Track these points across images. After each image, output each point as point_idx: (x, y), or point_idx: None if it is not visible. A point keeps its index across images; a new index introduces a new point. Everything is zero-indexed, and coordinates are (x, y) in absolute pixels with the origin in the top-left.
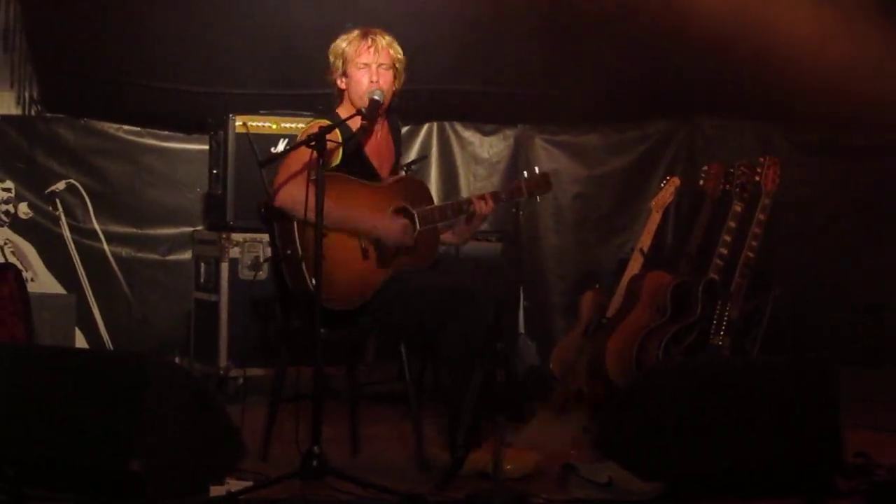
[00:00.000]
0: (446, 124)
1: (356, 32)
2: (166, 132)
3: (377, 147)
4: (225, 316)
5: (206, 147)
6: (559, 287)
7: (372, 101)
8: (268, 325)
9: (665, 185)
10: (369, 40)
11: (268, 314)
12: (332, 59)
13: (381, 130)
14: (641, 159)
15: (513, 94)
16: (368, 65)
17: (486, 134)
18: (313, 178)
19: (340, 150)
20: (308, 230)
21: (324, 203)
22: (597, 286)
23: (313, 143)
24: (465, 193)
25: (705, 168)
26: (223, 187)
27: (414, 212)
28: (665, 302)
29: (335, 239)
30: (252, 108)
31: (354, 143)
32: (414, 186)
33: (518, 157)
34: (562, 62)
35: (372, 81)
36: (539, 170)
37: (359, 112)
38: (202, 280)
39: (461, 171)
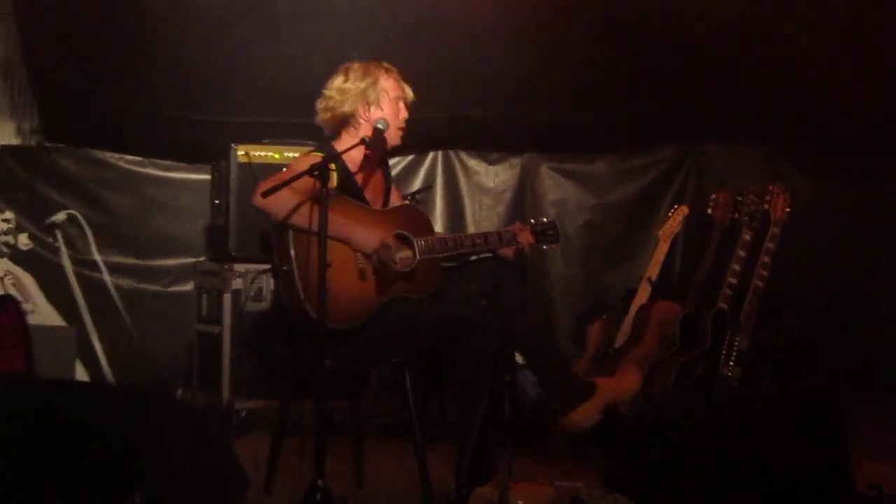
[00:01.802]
0: (451, 153)
1: (381, 65)
2: (168, 162)
3: (372, 183)
4: (228, 348)
5: (209, 177)
6: (566, 316)
7: (376, 130)
8: (271, 357)
9: (673, 213)
10: (396, 74)
11: (271, 346)
12: (361, 86)
13: (376, 168)
14: (649, 187)
15: (519, 122)
16: (401, 99)
17: (491, 162)
18: (308, 194)
19: (336, 180)
20: (303, 244)
21: (301, 208)
22: (605, 316)
23: (316, 173)
24: (470, 223)
25: (714, 196)
26: (225, 218)
27: (414, 240)
28: (674, 332)
29: (332, 257)
30: (254, 138)
31: (351, 176)
32: (414, 216)
33: (524, 186)
34: (568, 89)
35: (404, 117)
36: (546, 219)
37: (362, 141)
38: (204, 312)
39: (466, 200)
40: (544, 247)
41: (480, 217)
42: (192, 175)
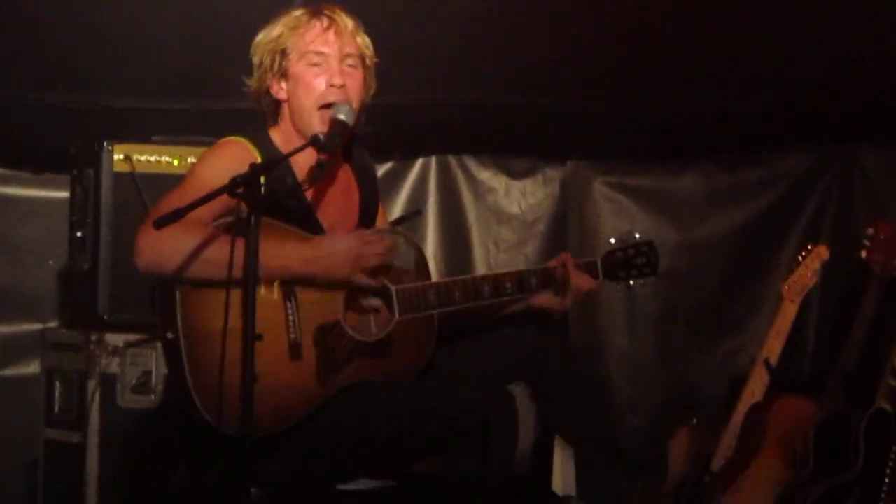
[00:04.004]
0: (452, 159)
1: (299, 12)
2: (2, 170)
3: (331, 200)
4: (95, 465)
5: (66, 195)
6: (634, 421)
7: (336, 122)
8: (166, 479)
9: (805, 257)
10: (325, 21)
11: (165, 461)
12: (261, 54)
13: (339, 175)
14: (766, 215)
15: (559, 112)
16: (326, 57)
17: (515, 175)
18: (216, 223)
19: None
20: (197, 300)
21: (204, 249)
22: (694, 421)
23: (241, 190)
24: (480, 266)
25: (870, 230)
26: (93, 259)
27: (392, 289)
28: (806, 445)
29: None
30: (140, 132)
31: (295, 191)
32: (401, 251)
33: (567, 212)
34: (637, 63)
35: (333, 85)
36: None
37: (314, 141)
38: (57, 408)
39: (475, 233)
40: (631, 283)
41: (498, 261)
42: (40, 191)
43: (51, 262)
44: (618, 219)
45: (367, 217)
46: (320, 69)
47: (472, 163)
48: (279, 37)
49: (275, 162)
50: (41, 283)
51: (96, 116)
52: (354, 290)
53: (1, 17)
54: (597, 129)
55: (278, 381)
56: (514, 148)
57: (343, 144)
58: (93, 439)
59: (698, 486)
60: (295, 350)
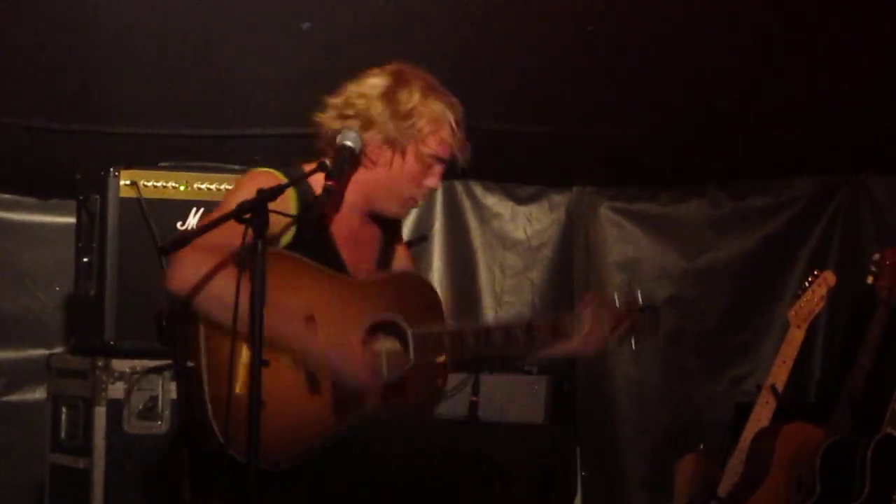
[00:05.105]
0: (457, 185)
1: (441, 105)
2: (7, 196)
3: (353, 235)
4: (100, 491)
5: (72, 220)
6: (640, 447)
7: (343, 148)
8: None
9: (811, 283)
10: (458, 129)
11: (171, 487)
12: (375, 106)
13: (368, 224)
14: (772, 242)
15: (565, 138)
16: (441, 163)
17: (521, 201)
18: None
19: (293, 227)
20: (220, 335)
21: (239, 297)
22: (701, 446)
23: (248, 216)
24: (487, 296)
25: (877, 256)
26: (99, 285)
27: (408, 331)
28: (813, 471)
29: (267, 353)
30: (147, 158)
31: (316, 220)
32: (415, 290)
33: (573, 237)
34: (646, 86)
35: (431, 188)
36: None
37: (321, 167)
38: (63, 434)
39: (481, 258)
40: (633, 342)
41: (504, 287)
42: (46, 217)
43: (57, 288)
44: (623, 244)
45: (385, 249)
46: (432, 171)
47: (477, 188)
48: (413, 110)
49: (279, 188)
50: (47, 308)
51: (103, 142)
52: (372, 328)
53: (7, 44)
54: (603, 155)
55: (296, 413)
56: (519, 173)
57: (352, 170)
58: (99, 465)
59: None
60: (313, 382)
